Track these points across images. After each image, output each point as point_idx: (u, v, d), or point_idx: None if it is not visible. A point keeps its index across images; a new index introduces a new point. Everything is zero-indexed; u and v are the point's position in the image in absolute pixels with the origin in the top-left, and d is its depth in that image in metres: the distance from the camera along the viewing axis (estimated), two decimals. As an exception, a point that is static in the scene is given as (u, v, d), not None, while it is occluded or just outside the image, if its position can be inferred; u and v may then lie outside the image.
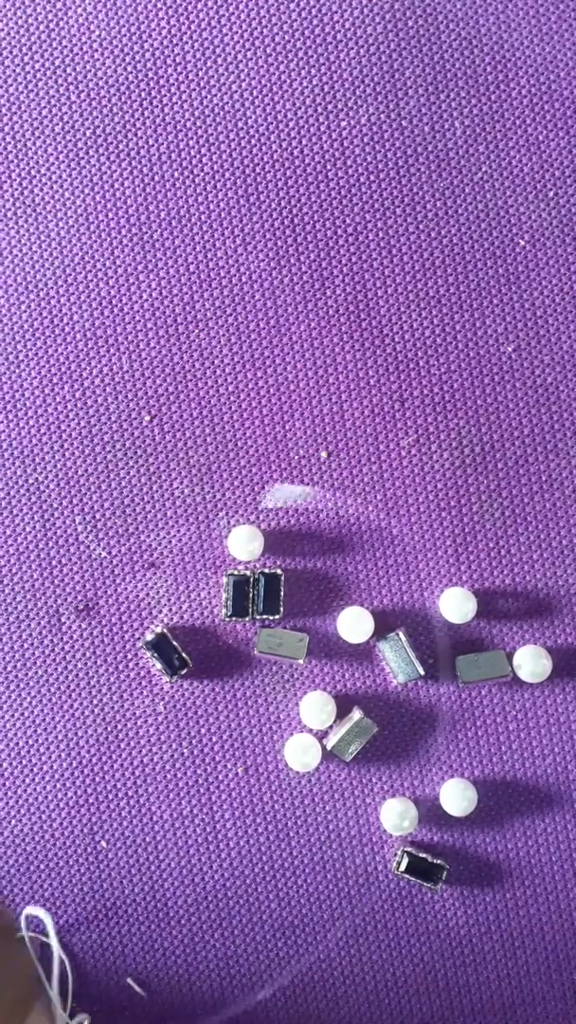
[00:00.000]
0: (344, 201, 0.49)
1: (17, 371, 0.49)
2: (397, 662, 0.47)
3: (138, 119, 0.50)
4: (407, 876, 0.47)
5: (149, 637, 0.47)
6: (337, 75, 0.50)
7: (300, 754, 0.47)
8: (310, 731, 0.48)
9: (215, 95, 0.50)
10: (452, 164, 0.49)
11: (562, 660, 0.48)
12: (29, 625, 0.48)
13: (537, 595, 0.48)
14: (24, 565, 0.48)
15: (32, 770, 0.48)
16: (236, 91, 0.50)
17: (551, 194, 0.49)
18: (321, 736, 0.48)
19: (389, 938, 0.47)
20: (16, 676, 0.48)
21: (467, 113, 0.50)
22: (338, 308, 0.49)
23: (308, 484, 0.48)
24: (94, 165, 0.49)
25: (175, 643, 0.47)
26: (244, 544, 0.47)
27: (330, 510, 0.48)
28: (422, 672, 0.47)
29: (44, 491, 0.48)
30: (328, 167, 0.49)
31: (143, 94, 0.50)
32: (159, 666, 0.47)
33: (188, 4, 0.50)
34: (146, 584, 0.48)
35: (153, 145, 0.50)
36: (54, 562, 0.48)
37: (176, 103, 0.50)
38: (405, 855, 0.47)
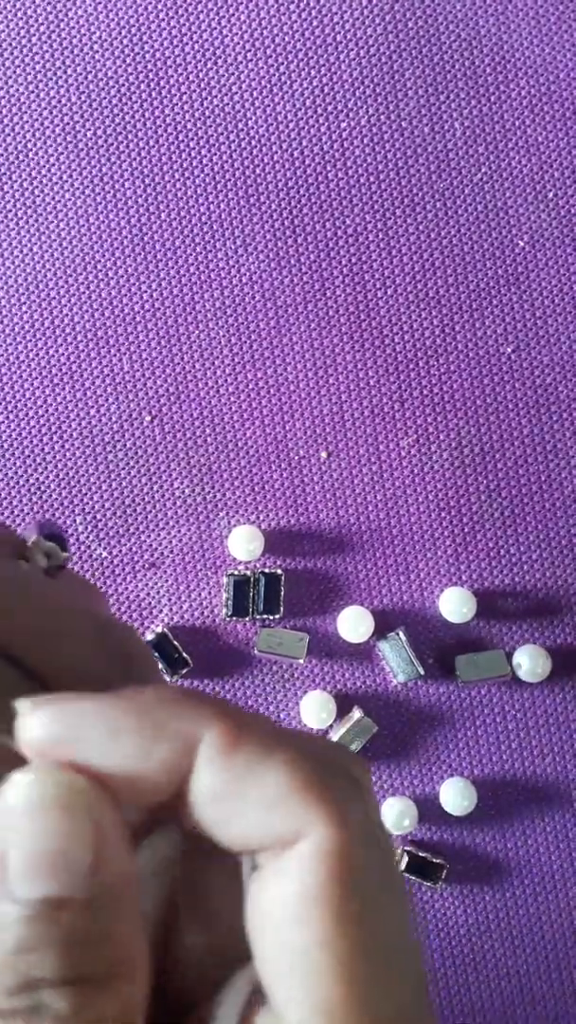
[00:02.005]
0: (344, 202, 0.49)
1: (17, 371, 0.49)
2: (397, 662, 0.47)
3: (139, 120, 0.50)
4: (407, 875, 0.47)
5: (149, 637, 0.47)
6: (337, 76, 0.50)
7: (300, 753, 0.47)
8: (310, 731, 0.48)
9: (215, 96, 0.50)
10: (452, 165, 0.50)
11: (562, 660, 0.48)
12: (30, 625, 0.48)
13: (537, 595, 0.48)
14: (25, 565, 0.48)
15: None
16: (236, 92, 0.50)
17: (550, 195, 0.50)
18: (321, 735, 0.48)
19: (389, 937, 0.48)
20: (17, 675, 0.48)
21: (467, 114, 0.50)
22: (338, 308, 0.49)
23: (307, 484, 0.48)
24: (95, 166, 0.50)
25: (175, 643, 0.47)
26: (244, 544, 0.47)
27: (330, 510, 0.49)
28: (422, 672, 0.47)
29: (46, 491, 0.49)
30: (328, 168, 0.50)
31: (144, 96, 0.50)
32: (160, 666, 0.47)
33: (189, 5, 0.50)
34: (146, 584, 0.48)
35: (154, 146, 0.50)
36: (55, 562, 0.48)
37: (177, 104, 0.50)
38: (405, 854, 0.47)
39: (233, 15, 0.50)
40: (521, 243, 0.49)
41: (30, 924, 0.17)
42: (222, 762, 0.18)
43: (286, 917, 0.18)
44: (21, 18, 0.50)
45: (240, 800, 0.18)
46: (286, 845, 0.18)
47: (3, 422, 0.49)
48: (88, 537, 0.48)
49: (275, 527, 0.48)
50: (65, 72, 0.50)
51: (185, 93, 0.50)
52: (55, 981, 0.17)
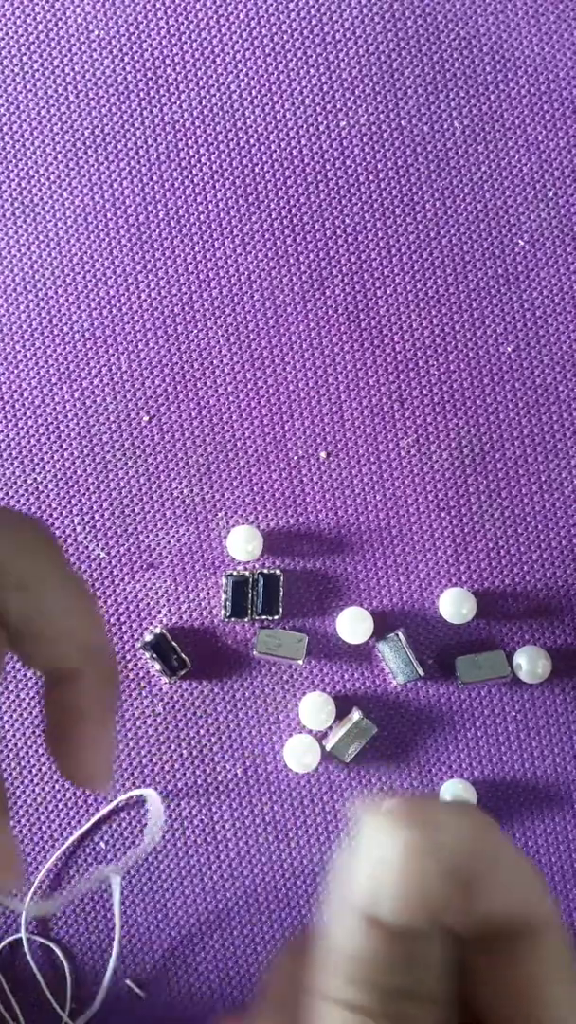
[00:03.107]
0: (344, 201, 0.49)
1: (17, 371, 0.49)
2: (397, 662, 0.47)
3: (137, 119, 0.50)
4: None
5: (148, 638, 0.47)
6: (336, 75, 0.50)
7: (300, 755, 0.47)
8: (310, 732, 0.48)
9: (214, 95, 0.50)
10: (451, 164, 0.49)
11: (562, 660, 0.48)
12: (28, 626, 0.48)
13: (537, 595, 0.48)
14: (23, 565, 0.48)
15: (32, 771, 0.48)
16: (235, 91, 0.50)
17: (550, 194, 0.49)
18: (321, 737, 0.48)
19: (389, 939, 0.47)
20: (16, 677, 0.48)
21: (466, 113, 0.50)
22: (337, 308, 0.49)
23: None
24: (93, 165, 0.49)
25: (174, 644, 0.47)
26: (243, 544, 0.47)
27: (330, 510, 0.48)
28: (422, 673, 0.47)
29: (44, 491, 0.48)
30: (328, 167, 0.49)
31: (142, 94, 0.50)
32: (158, 667, 0.47)
33: (187, 4, 0.50)
34: (144, 585, 0.48)
35: (152, 145, 0.49)
36: (53, 562, 0.48)
37: (175, 103, 0.50)
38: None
39: (232, 13, 0.50)
40: (521, 243, 0.49)
41: (401, 943, 0.19)
42: None
43: None
44: (19, 16, 0.50)
45: None
46: None
47: (0, 422, 0.49)
48: (86, 538, 0.48)
49: (274, 527, 0.48)
50: (63, 70, 0.50)
51: (184, 92, 0.50)
52: (419, 996, 0.19)
